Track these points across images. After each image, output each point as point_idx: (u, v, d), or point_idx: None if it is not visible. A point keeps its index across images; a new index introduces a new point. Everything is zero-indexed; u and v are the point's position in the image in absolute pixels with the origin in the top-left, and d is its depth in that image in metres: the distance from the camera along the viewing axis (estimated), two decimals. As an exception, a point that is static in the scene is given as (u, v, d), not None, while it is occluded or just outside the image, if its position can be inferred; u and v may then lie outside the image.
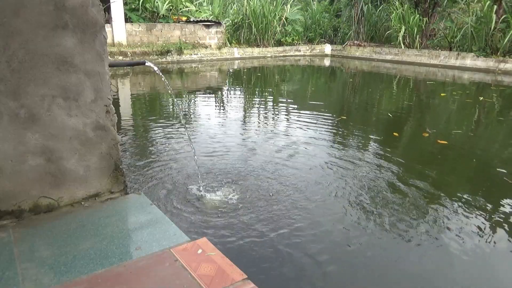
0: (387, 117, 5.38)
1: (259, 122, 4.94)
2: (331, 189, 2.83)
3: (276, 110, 5.80)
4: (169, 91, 6.59)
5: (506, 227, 2.36)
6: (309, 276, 1.87)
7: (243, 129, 4.55)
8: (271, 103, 6.36)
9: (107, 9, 10.35)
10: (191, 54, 11.94)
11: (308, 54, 14.66)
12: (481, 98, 6.57)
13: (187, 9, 13.06)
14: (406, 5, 11.90)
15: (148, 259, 1.59)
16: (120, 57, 10.47)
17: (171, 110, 5.73)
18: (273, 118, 5.22)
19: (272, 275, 1.87)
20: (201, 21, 12.39)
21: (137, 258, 1.60)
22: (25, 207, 1.93)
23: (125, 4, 11.36)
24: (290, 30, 14.51)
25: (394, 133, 4.52)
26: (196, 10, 13.34)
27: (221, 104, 6.25)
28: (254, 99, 6.87)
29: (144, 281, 1.45)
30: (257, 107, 6.11)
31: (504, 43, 9.69)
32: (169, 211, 2.42)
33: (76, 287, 1.42)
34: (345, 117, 5.17)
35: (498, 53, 9.92)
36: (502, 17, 9.88)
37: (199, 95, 7.04)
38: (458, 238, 2.21)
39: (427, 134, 4.30)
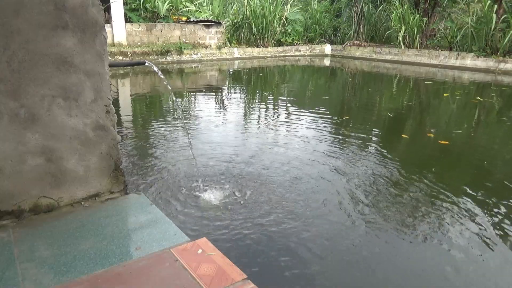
0: (388, 117, 5.38)
1: (259, 122, 4.94)
2: (333, 188, 2.82)
3: (277, 110, 5.79)
4: (169, 91, 6.59)
5: (506, 228, 2.36)
6: (309, 276, 1.86)
7: (244, 128, 4.55)
8: (271, 103, 6.35)
9: (107, 9, 10.35)
10: (191, 54, 11.94)
11: (308, 54, 14.65)
12: (482, 98, 6.56)
13: (187, 9, 13.06)
14: (406, 5, 11.89)
15: (148, 259, 1.59)
16: (120, 57, 10.47)
17: (171, 110, 5.72)
18: (274, 118, 5.21)
19: (272, 275, 1.87)
20: (201, 21, 12.38)
21: (137, 258, 1.60)
22: (25, 207, 1.93)
23: (125, 4, 11.36)
24: (290, 30, 14.50)
25: (403, 135, 4.52)
26: (196, 10, 13.34)
27: (221, 104, 6.24)
28: (254, 99, 6.87)
29: (144, 281, 1.45)
30: (258, 107, 6.10)
31: (504, 43, 9.68)
32: (169, 209, 2.42)
33: (76, 287, 1.42)
34: (347, 117, 5.16)
35: (498, 53, 9.91)
36: (502, 17, 9.87)
37: (199, 95, 7.04)
38: (458, 239, 2.21)
39: (432, 135, 4.30)
